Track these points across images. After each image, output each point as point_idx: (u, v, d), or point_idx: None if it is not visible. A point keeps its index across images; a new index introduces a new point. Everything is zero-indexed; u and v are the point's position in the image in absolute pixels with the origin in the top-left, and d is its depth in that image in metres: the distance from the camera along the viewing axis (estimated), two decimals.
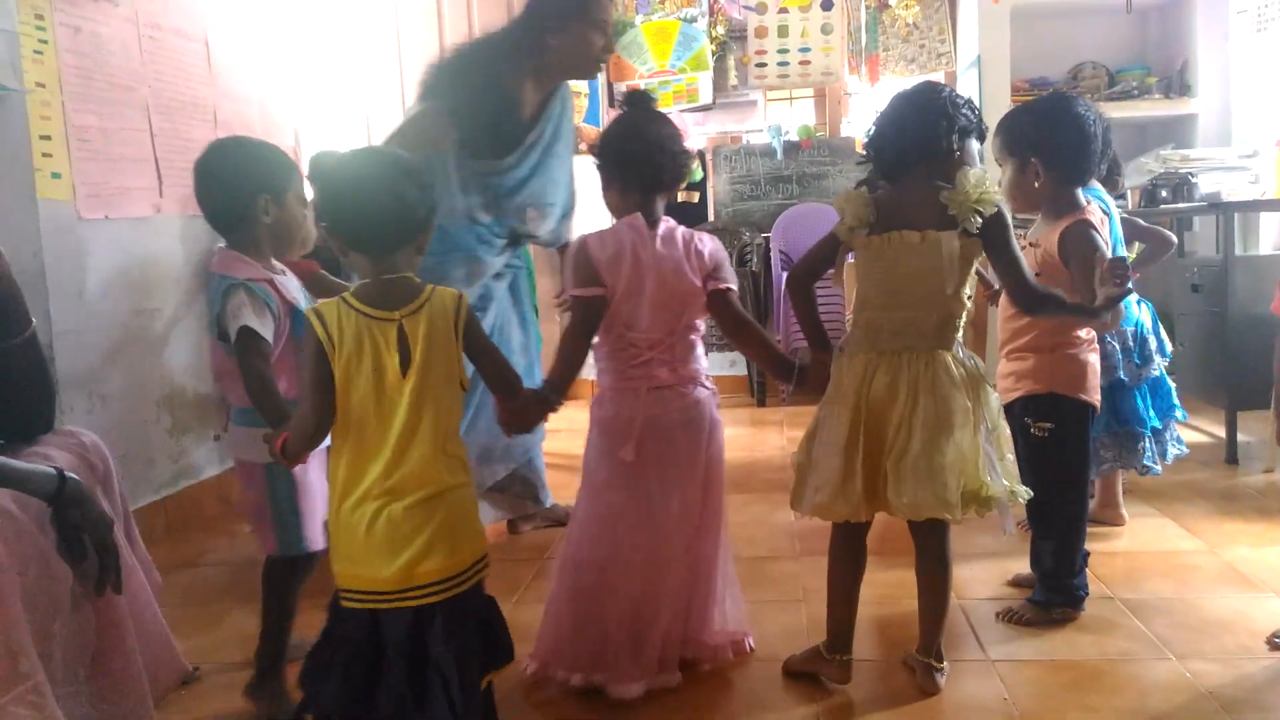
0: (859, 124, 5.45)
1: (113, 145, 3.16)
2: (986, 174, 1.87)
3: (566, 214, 3.06)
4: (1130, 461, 2.82)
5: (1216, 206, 3.69)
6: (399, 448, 1.56)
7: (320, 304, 1.62)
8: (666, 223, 2.05)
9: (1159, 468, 2.83)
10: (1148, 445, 2.80)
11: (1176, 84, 4.86)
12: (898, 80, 5.27)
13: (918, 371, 1.87)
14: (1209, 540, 2.79)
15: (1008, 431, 2.05)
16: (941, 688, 1.99)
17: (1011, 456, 1.99)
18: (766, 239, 5.31)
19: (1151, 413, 2.80)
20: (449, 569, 1.59)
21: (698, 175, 5.62)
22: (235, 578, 2.87)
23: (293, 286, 2.02)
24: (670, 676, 2.04)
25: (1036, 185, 2.23)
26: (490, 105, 2.72)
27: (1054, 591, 2.29)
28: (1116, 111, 4.40)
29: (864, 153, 2.03)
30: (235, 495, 3.68)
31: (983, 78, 4.85)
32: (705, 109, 5.56)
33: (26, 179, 2.81)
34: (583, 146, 5.50)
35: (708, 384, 2.08)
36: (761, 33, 5.41)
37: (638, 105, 2.10)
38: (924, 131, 1.88)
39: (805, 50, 5.39)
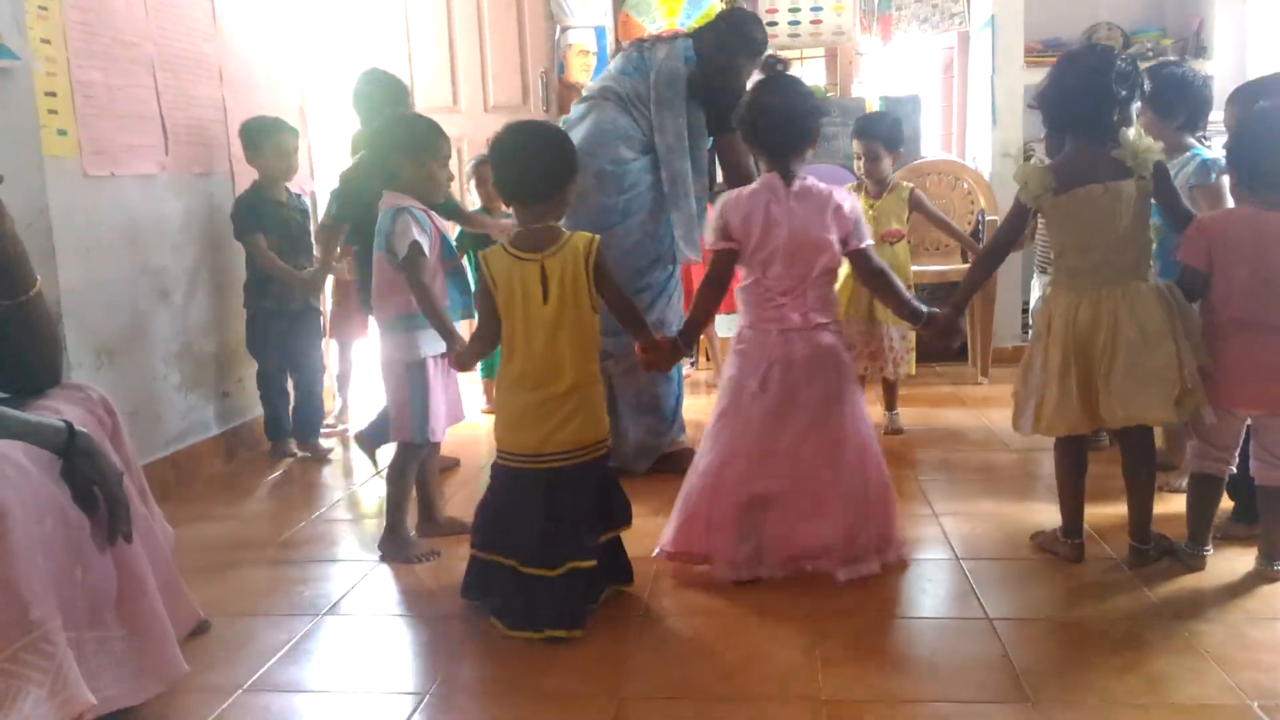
0: (870, 84, 5.39)
1: (118, 102, 3.14)
2: (1141, 131, 2.24)
3: None
4: None
5: None
6: (543, 355, 2.12)
7: (486, 250, 2.17)
8: (803, 180, 2.31)
9: None
10: None
11: (1193, 45, 4.78)
12: (911, 40, 5.21)
13: (1116, 300, 2.21)
14: None
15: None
16: (1149, 564, 2.33)
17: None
18: None
19: None
20: (573, 442, 2.14)
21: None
22: (243, 532, 2.90)
23: (439, 220, 2.59)
24: (775, 569, 2.34)
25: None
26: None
27: None
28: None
29: (1033, 104, 2.39)
30: (243, 453, 3.71)
31: (996, 38, 4.78)
32: None
33: (32, 136, 2.80)
34: None
35: (835, 328, 2.37)
36: None
37: (769, 71, 2.41)
38: (1093, 105, 2.21)
39: (817, 9, 5.31)
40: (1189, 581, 2.28)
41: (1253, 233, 2.20)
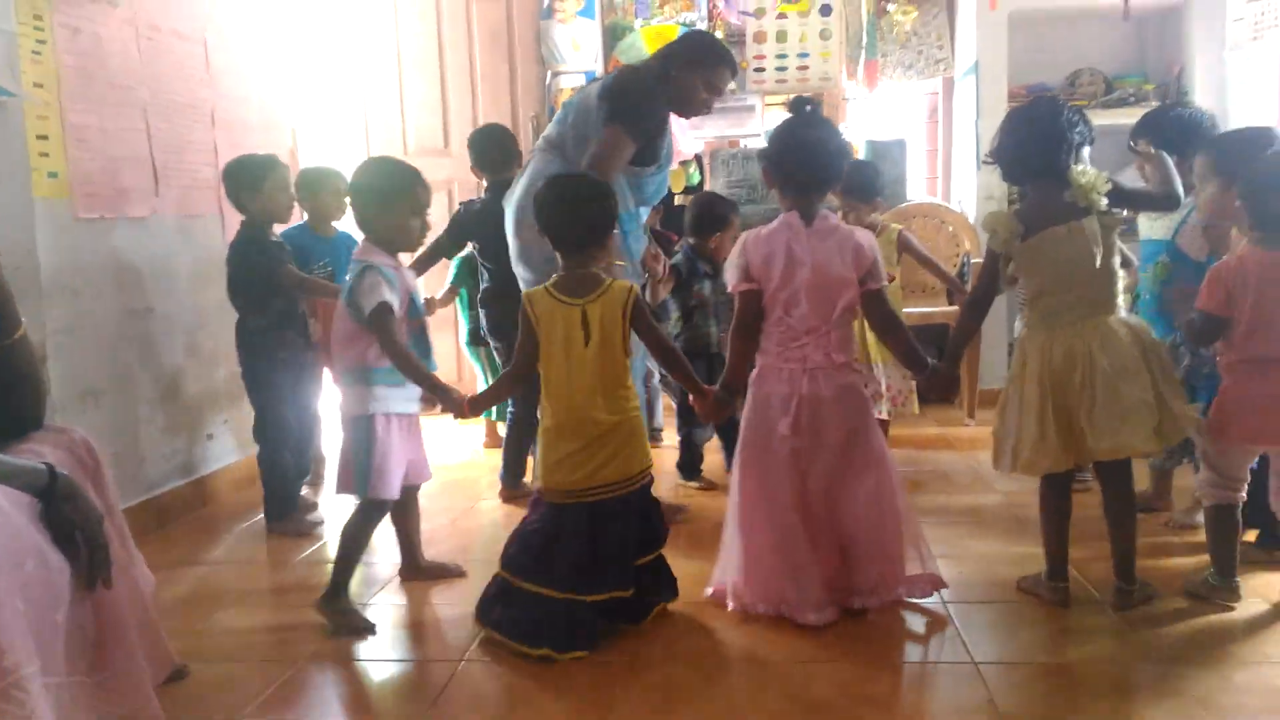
0: (857, 128, 5.46)
1: (110, 145, 3.17)
2: (1085, 166, 2.30)
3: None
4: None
5: None
6: (583, 396, 2.22)
7: (530, 291, 2.30)
8: (824, 219, 2.33)
9: None
10: None
11: (1174, 91, 4.86)
12: (896, 86, 5.28)
13: (1088, 337, 2.25)
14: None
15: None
16: (1134, 605, 2.32)
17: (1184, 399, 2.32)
18: None
19: None
20: (617, 476, 2.25)
21: (695, 179, 5.62)
22: (226, 577, 2.87)
23: (409, 276, 2.55)
24: (826, 613, 2.31)
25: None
26: (656, 127, 3.03)
27: None
28: (1114, 118, 4.39)
29: (989, 160, 2.45)
30: (227, 495, 3.69)
31: (980, 84, 4.85)
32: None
33: (23, 178, 2.82)
34: None
35: (858, 367, 2.40)
36: (760, 38, 5.42)
37: (797, 111, 2.39)
38: (1045, 155, 2.28)
39: (804, 55, 5.39)
40: (1177, 625, 2.28)
41: (1261, 271, 2.26)
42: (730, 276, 2.37)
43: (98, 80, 3.12)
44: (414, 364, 2.40)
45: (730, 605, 2.39)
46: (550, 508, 2.29)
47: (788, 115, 2.40)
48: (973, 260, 4.56)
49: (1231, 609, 2.32)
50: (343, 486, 2.48)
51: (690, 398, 2.44)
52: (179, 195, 3.52)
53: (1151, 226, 2.92)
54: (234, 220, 3.74)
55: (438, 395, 2.38)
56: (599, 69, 5.50)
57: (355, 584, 2.55)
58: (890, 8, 5.26)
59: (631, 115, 2.91)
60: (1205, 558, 2.45)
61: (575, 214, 2.26)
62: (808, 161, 2.32)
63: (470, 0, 5.30)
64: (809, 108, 2.40)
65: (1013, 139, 2.35)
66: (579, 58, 5.51)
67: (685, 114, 3.12)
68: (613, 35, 5.54)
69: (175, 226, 3.51)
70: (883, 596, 2.38)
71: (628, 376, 2.30)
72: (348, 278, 2.47)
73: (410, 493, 2.64)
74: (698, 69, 2.99)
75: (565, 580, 2.22)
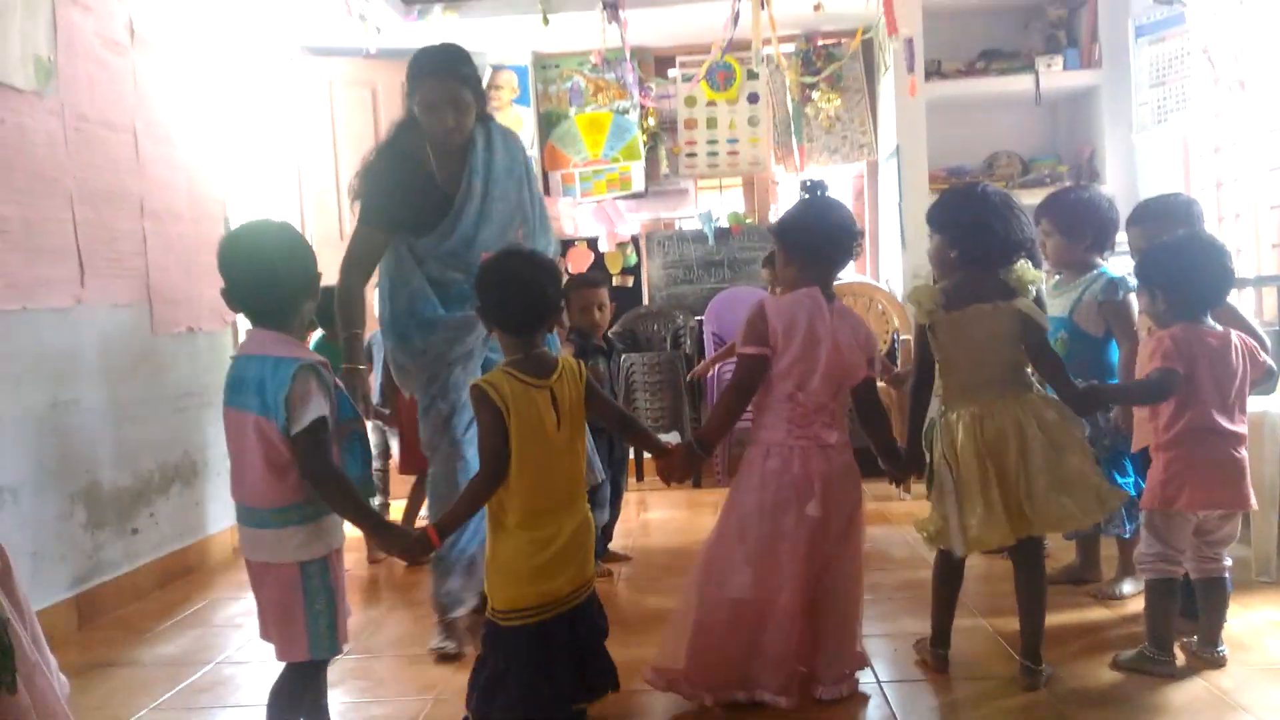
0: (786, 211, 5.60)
1: (34, 236, 3.13)
2: (1027, 264, 2.34)
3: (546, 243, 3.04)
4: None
5: None
6: (561, 482, 2.04)
7: (487, 378, 2.02)
8: (839, 300, 2.33)
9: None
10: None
11: (1086, 171, 5.08)
12: (822, 169, 5.44)
13: (1018, 412, 2.28)
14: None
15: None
16: (1041, 687, 2.31)
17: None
18: (700, 321, 5.39)
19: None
20: (589, 573, 2.12)
21: (632, 260, 5.71)
22: (148, 678, 2.76)
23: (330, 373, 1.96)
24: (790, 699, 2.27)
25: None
26: (404, 191, 2.75)
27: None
28: (1031, 198, 4.52)
29: (951, 255, 2.39)
30: (151, 592, 3.57)
31: (902, 167, 5.03)
32: (638, 196, 5.68)
33: None
34: (519, 232, 5.57)
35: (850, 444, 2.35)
36: (691, 124, 5.57)
37: (818, 191, 2.36)
38: (1008, 247, 2.32)
39: (733, 141, 5.55)
40: (1106, 696, 2.29)
41: (1207, 346, 2.35)
42: (746, 336, 2.28)
43: (20, 171, 3.09)
44: (358, 499, 1.90)
45: (653, 681, 2.31)
46: (529, 635, 2.00)
47: (803, 195, 2.37)
48: (902, 337, 4.66)
49: (1173, 678, 2.34)
50: (292, 651, 1.92)
51: (654, 458, 2.29)
52: (106, 285, 3.47)
53: (1052, 305, 3.03)
54: (164, 308, 3.72)
55: (380, 534, 1.97)
56: (535, 155, 5.59)
57: None
58: (814, 95, 5.45)
59: (360, 198, 2.80)
60: (1136, 628, 2.48)
61: (538, 289, 2.07)
62: (834, 239, 2.30)
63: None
64: (820, 191, 2.36)
65: (983, 223, 2.33)
66: None
67: (440, 145, 2.77)
68: (547, 123, 5.66)
69: (102, 315, 3.45)
70: (847, 681, 2.36)
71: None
72: (268, 382, 1.84)
73: None
74: (413, 98, 2.72)
75: (563, 698, 2.05)
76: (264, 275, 1.91)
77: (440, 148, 2.77)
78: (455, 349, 2.81)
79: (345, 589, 1.96)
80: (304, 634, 1.89)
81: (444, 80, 2.67)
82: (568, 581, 2.04)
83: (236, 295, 1.94)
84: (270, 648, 1.93)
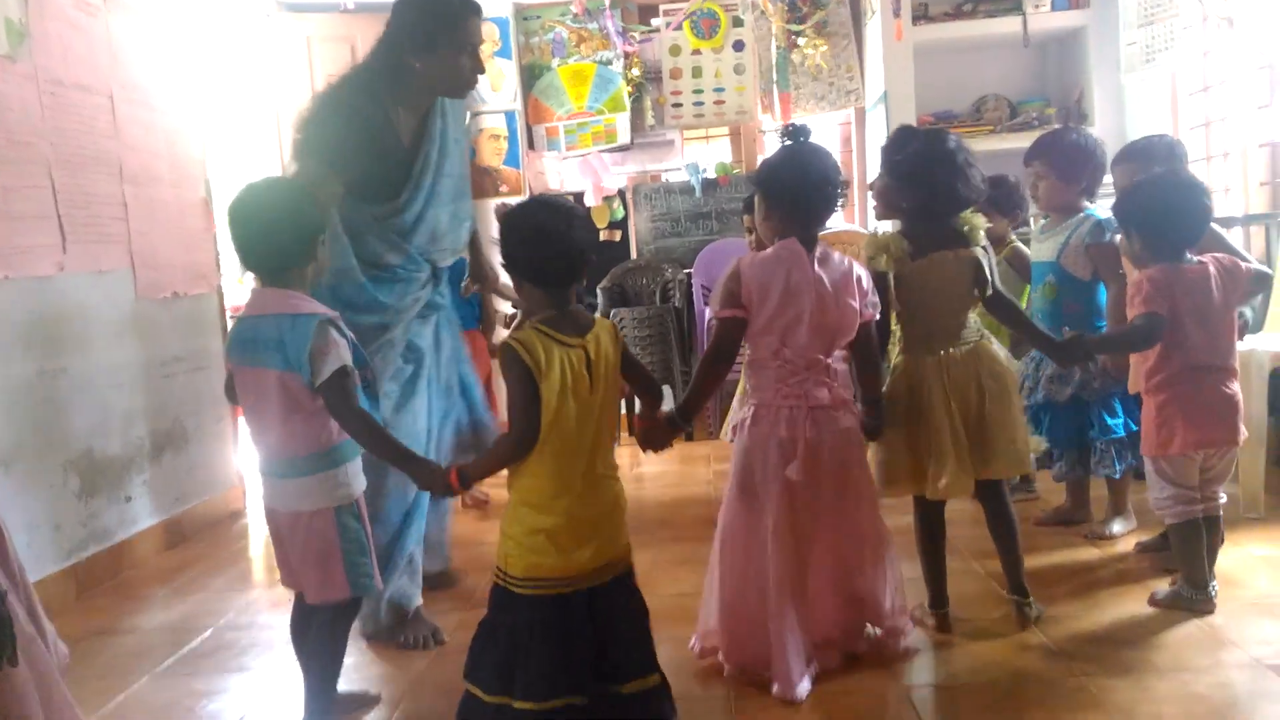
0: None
1: (12, 204, 3.08)
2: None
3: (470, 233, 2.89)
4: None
5: None
6: (594, 448, 1.88)
7: (518, 336, 1.86)
8: (822, 246, 2.20)
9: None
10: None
11: (1075, 114, 5.04)
12: (809, 117, 5.39)
13: (976, 359, 2.32)
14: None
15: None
16: (1033, 621, 2.36)
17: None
18: (688, 274, 5.37)
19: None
20: (626, 550, 1.95)
21: (619, 213, 5.67)
22: (147, 644, 2.78)
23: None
24: (827, 659, 2.21)
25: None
26: (369, 143, 2.48)
27: None
28: (1019, 142, 4.52)
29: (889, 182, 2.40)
30: (149, 559, 3.58)
31: (890, 113, 4.98)
32: (624, 149, 5.62)
33: None
34: (504, 188, 5.53)
35: (855, 408, 2.25)
36: (676, 74, 5.50)
37: (800, 138, 2.22)
38: (962, 192, 2.30)
39: (719, 90, 5.49)
40: (1096, 638, 2.32)
41: (1186, 283, 2.35)
42: (716, 300, 2.18)
43: None
44: (386, 436, 2.01)
45: (696, 648, 2.30)
46: (547, 605, 1.85)
47: (784, 143, 2.23)
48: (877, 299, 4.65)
49: (1209, 614, 2.37)
50: (330, 591, 2.02)
51: (637, 420, 2.17)
52: (88, 251, 3.43)
53: (1038, 249, 3.03)
54: (147, 273, 3.68)
55: (415, 468, 1.97)
56: (518, 109, 5.53)
57: None
58: (800, 42, 5.38)
59: (309, 143, 2.46)
60: (1126, 566, 2.51)
61: (558, 242, 1.87)
62: (817, 189, 2.17)
63: None
64: (802, 136, 2.23)
65: (927, 182, 2.32)
66: (497, 98, 5.53)
67: (458, 94, 2.65)
68: (530, 75, 5.58)
69: (86, 282, 3.41)
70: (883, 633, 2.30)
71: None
72: (290, 337, 1.94)
73: None
74: (439, 42, 2.47)
75: (583, 684, 1.86)
76: (273, 233, 1.98)
77: (426, 96, 2.57)
78: (377, 338, 2.54)
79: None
80: (342, 574, 2.00)
81: (480, 19, 2.54)
82: (593, 555, 1.86)
83: (248, 254, 2.01)
84: (274, 606, 1.97)
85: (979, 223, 2.35)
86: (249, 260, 2.04)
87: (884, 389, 2.34)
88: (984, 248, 2.36)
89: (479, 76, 2.60)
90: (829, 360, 2.17)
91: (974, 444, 2.29)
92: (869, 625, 2.32)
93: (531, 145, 5.60)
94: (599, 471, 1.90)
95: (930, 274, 2.31)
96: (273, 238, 1.99)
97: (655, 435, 2.12)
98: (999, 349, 2.39)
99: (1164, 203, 2.38)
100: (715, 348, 2.19)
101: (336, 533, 1.98)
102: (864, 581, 2.27)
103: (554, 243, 1.87)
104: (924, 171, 2.32)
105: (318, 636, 2.07)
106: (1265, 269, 2.63)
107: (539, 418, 1.82)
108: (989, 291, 2.35)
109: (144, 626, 2.95)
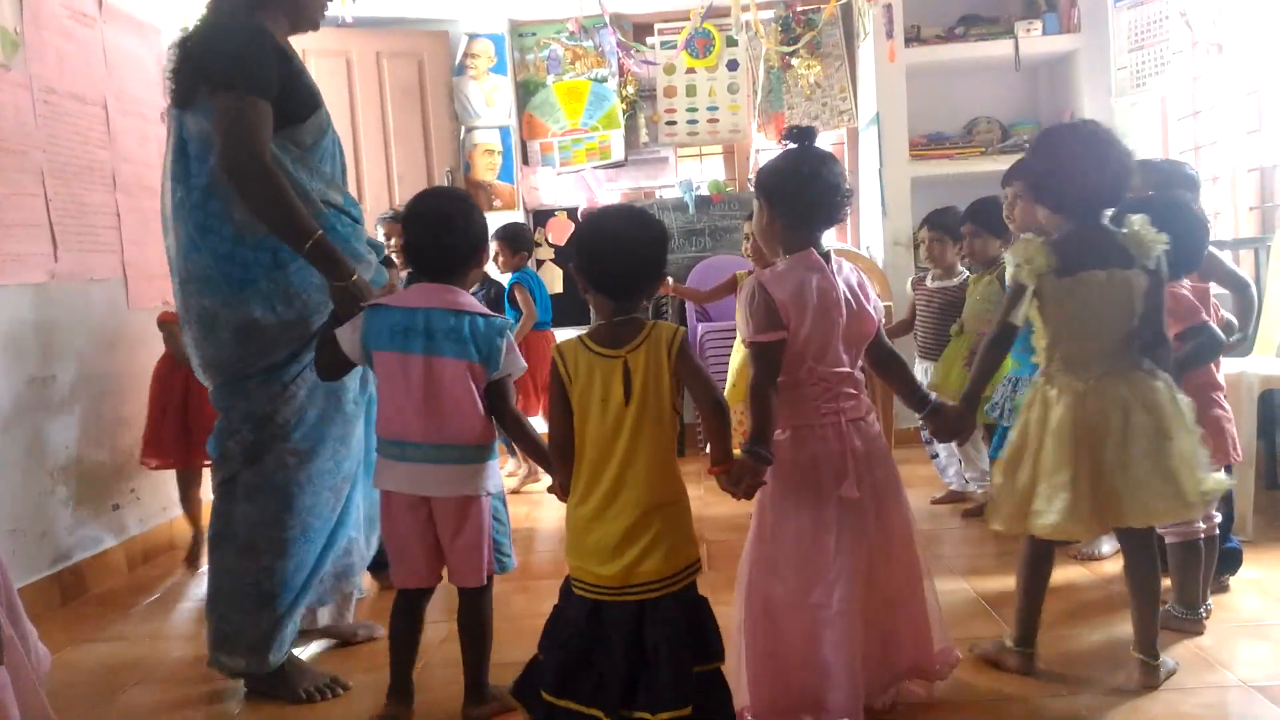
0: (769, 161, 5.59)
1: (4, 211, 3.08)
2: (1146, 219, 2.08)
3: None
4: None
5: None
6: (623, 464, 1.80)
7: (561, 344, 1.88)
8: (834, 256, 2.04)
9: None
10: None
11: None
12: None
13: (1124, 391, 2.04)
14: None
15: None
16: (1160, 683, 2.12)
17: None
18: None
19: None
20: (664, 570, 1.80)
21: None
22: (133, 653, 2.76)
23: None
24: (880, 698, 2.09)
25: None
26: (277, 63, 2.21)
27: None
28: (1010, 164, 4.57)
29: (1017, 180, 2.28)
30: (136, 568, 3.56)
31: (882, 134, 5.02)
32: (618, 165, 5.65)
33: None
34: (497, 203, 5.54)
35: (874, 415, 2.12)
36: (670, 92, 5.53)
37: (806, 140, 2.05)
38: (1114, 181, 2.07)
39: (713, 109, 5.52)
40: (1085, 657, 2.32)
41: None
42: (755, 322, 1.95)
43: None
44: (537, 435, 2.22)
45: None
46: (585, 605, 1.84)
47: (789, 145, 2.05)
48: (882, 304, 4.66)
49: (1199, 635, 2.37)
50: (479, 575, 2.14)
51: (720, 470, 1.89)
52: (80, 259, 3.43)
53: None
54: (139, 283, 3.68)
55: (551, 471, 2.01)
56: (513, 124, 5.55)
57: None
58: (794, 62, 5.42)
59: (242, 69, 2.14)
60: (1109, 591, 2.51)
61: (636, 252, 1.83)
62: (824, 193, 2.00)
63: (382, 57, 5.33)
64: (807, 139, 2.05)
65: (1076, 164, 2.09)
66: (492, 114, 5.56)
67: (308, 28, 2.43)
68: (525, 91, 5.61)
69: (77, 290, 3.41)
70: (932, 674, 2.13)
71: (675, 444, 1.88)
72: (476, 328, 2.08)
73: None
74: None
75: (613, 700, 1.78)
76: (445, 237, 2.13)
77: (296, 27, 2.37)
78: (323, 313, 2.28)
79: None
80: (490, 557, 2.16)
81: None
82: (620, 573, 1.78)
83: (420, 255, 2.14)
84: None
85: (1149, 236, 2.06)
86: (419, 261, 2.15)
87: (977, 404, 2.18)
88: (1159, 266, 2.07)
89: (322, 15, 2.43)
90: (856, 370, 2.04)
91: (1105, 488, 2.02)
92: (901, 680, 2.13)
93: (526, 161, 5.61)
94: (632, 487, 1.80)
95: (1078, 294, 2.07)
96: (445, 240, 2.13)
97: (742, 477, 1.86)
98: (1167, 380, 2.08)
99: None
100: (766, 377, 1.94)
101: (491, 516, 2.16)
102: (913, 607, 2.09)
103: (623, 256, 1.84)
104: (1067, 167, 2.08)
105: (482, 618, 2.19)
106: (1245, 277, 2.65)
107: (568, 424, 1.86)
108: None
109: (130, 636, 2.93)
